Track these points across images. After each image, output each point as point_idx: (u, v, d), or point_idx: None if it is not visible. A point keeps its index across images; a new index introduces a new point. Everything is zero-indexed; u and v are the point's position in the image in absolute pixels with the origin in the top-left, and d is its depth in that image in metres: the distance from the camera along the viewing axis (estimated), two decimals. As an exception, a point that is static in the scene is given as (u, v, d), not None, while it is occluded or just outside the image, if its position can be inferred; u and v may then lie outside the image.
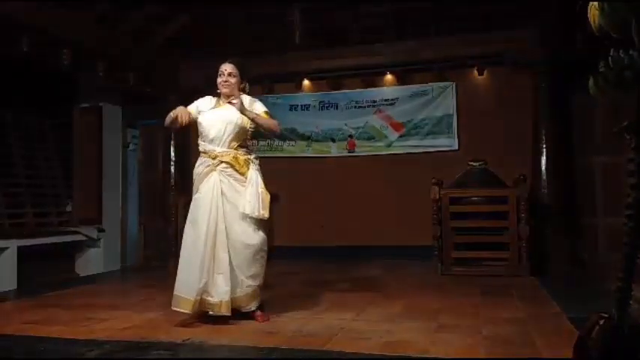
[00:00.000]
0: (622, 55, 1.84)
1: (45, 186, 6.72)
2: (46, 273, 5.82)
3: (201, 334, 3.11)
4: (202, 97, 3.72)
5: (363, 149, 7.07)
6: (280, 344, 2.85)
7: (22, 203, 6.29)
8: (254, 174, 3.51)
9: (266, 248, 3.52)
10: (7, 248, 5.24)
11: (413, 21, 6.56)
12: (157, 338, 3.02)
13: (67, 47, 5.40)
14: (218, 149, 3.49)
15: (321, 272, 5.76)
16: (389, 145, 6.98)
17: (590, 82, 1.97)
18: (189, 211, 3.52)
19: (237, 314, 3.41)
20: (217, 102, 3.64)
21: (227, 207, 3.42)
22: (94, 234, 6.47)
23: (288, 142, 7.25)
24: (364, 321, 3.42)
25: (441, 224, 5.52)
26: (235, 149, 3.51)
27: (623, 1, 1.79)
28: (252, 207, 3.39)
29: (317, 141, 7.22)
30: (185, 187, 7.07)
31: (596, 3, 1.89)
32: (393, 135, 6.96)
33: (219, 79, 3.59)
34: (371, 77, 7.08)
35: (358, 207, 6.95)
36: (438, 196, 5.53)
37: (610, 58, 1.89)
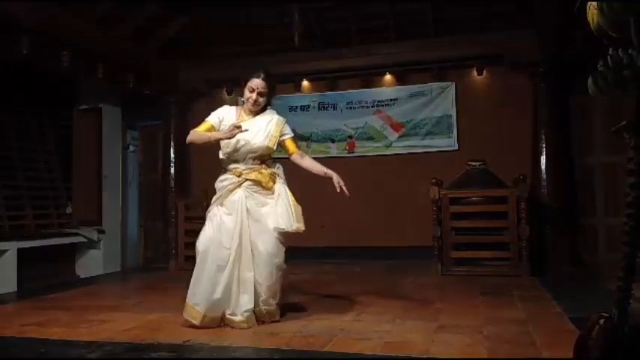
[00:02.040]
0: (621, 55, 1.84)
1: (45, 188, 6.72)
2: (47, 275, 5.81)
3: (202, 335, 3.11)
4: (221, 105, 3.64)
5: (363, 150, 7.07)
6: (281, 345, 2.85)
7: (22, 205, 6.29)
8: (282, 188, 3.47)
9: (285, 267, 3.46)
10: (7, 250, 5.24)
11: (412, 21, 6.56)
12: (157, 340, 3.02)
13: (66, 49, 5.40)
14: (242, 167, 3.43)
15: (321, 273, 5.76)
16: (388, 146, 6.98)
17: (590, 81, 1.97)
18: (208, 217, 3.43)
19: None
20: (239, 114, 3.55)
21: (252, 224, 3.35)
22: (94, 235, 6.46)
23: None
24: (365, 322, 3.42)
25: (440, 224, 5.52)
26: (259, 165, 3.46)
27: (622, 1, 1.80)
28: (286, 221, 3.35)
29: (316, 142, 7.23)
30: (185, 189, 7.09)
31: (594, 3, 1.89)
32: (393, 135, 6.96)
33: (248, 95, 3.48)
34: (370, 78, 7.08)
35: (358, 207, 6.94)
36: (437, 197, 5.53)
37: (609, 57, 1.89)
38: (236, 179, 3.41)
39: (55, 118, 7.14)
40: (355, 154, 7.10)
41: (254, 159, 3.46)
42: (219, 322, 3.28)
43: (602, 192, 6.07)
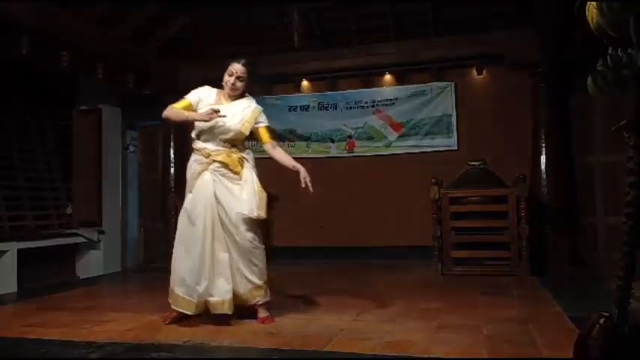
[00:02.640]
0: (620, 54, 1.84)
1: (45, 188, 6.72)
2: (47, 275, 5.81)
3: (202, 335, 3.11)
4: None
5: (363, 149, 7.07)
6: (281, 345, 2.85)
7: (22, 205, 6.29)
8: (249, 173, 3.45)
9: (262, 245, 3.48)
10: (7, 251, 5.23)
11: (412, 21, 6.56)
12: (157, 340, 3.02)
13: (66, 49, 5.40)
14: (211, 148, 3.43)
15: (321, 273, 5.76)
16: (388, 146, 6.98)
17: (589, 81, 1.97)
18: (183, 207, 3.48)
19: (240, 314, 3.41)
20: (218, 97, 3.56)
21: (221, 207, 3.38)
22: (94, 236, 6.46)
23: (287, 142, 7.25)
24: (365, 321, 3.42)
25: (440, 224, 5.52)
26: (229, 148, 3.46)
27: (622, 0, 1.80)
28: (249, 207, 3.35)
29: (316, 141, 7.23)
30: (185, 189, 7.09)
31: (594, 2, 1.89)
32: (393, 135, 6.96)
33: (227, 78, 3.50)
34: (370, 77, 7.08)
35: (358, 207, 6.95)
36: (437, 196, 5.53)
37: (608, 57, 1.89)
38: (204, 159, 3.42)
39: (55, 119, 7.14)
40: (355, 154, 7.10)
41: (224, 141, 3.45)
42: (208, 306, 3.32)
43: (602, 191, 6.06)
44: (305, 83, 7.32)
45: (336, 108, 7.20)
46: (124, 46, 6.22)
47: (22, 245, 5.43)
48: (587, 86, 1.99)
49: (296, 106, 7.32)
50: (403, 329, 3.17)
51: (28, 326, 3.46)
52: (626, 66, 1.81)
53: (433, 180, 5.60)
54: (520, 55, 6.15)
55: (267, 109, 7.85)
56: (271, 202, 7.54)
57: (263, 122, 3.60)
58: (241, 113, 3.50)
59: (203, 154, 3.44)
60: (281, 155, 3.59)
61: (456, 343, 2.82)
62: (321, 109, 7.25)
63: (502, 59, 6.31)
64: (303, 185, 3.42)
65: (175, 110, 3.47)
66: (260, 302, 3.43)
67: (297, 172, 3.44)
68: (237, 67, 3.49)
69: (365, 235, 6.83)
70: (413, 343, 2.85)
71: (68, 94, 6.87)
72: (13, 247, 5.30)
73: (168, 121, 3.59)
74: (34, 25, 4.98)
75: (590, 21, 1.94)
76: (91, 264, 6.47)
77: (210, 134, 3.44)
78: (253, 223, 3.43)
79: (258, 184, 3.45)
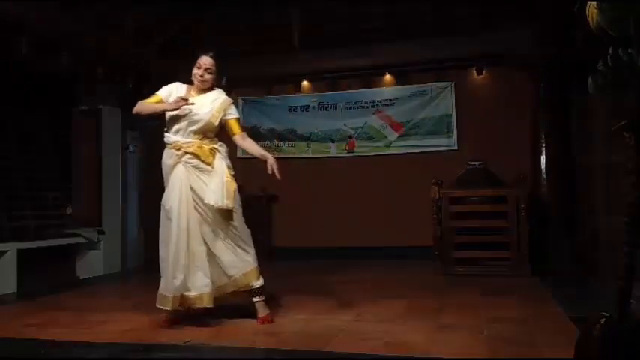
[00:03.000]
0: (621, 54, 1.84)
1: (45, 189, 6.72)
2: (47, 276, 5.81)
3: (202, 335, 3.11)
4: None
5: (363, 149, 7.07)
6: (281, 345, 2.86)
7: (22, 206, 6.29)
8: (219, 163, 3.43)
9: (246, 229, 3.48)
10: (7, 251, 5.24)
11: (412, 21, 6.56)
12: (157, 340, 3.02)
13: (66, 49, 5.40)
14: (182, 140, 3.42)
15: (321, 273, 5.75)
16: (388, 146, 6.98)
17: (590, 81, 1.97)
18: (162, 204, 3.45)
19: (241, 313, 3.42)
20: (188, 91, 3.56)
21: (198, 198, 3.36)
22: (94, 236, 6.45)
23: (287, 142, 7.26)
24: (365, 321, 3.42)
25: (441, 224, 5.52)
26: (201, 139, 3.44)
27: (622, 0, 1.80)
28: (215, 197, 3.31)
29: (316, 142, 7.23)
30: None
31: (594, 2, 1.89)
32: (393, 135, 6.97)
33: (196, 71, 3.51)
34: (370, 77, 7.09)
35: (358, 207, 6.95)
36: (437, 196, 5.53)
37: (609, 57, 1.89)
38: (176, 153, 3.41)
39: (55, 119, 7.13)
40: (355, 154, 7.10)
41: (195, 133, 3.43)
42: (187, 301, 3.29)
43: (602, 191, 6.05)
44: (305, 83, 7.32)
45: (336, 108, 7.20)
46: (124, 46, 6.22)
47: (22, 245, 5.43)
48: (587, 86, 1.99)
49: (296, 106, 7.32)
50: (403, 329, 3.17)
51: (28, 326, 3.46)
52: (627, 66, 1.81)
53: (433, 180, 5.60)
54: (520, 55, 6.15)
55: (267, 109, 7.89)
56: (271, 202, 7.57)
57: (233, 114, 3.58)
58: (210, 104, 3.49)
59: (174, 147, 3.43)
60: (250, 145, 3.60)
61: (456, 344, 2.82)
62: (321, 109, 7.25)
63: (502, 59, 6.32)
64: (269, 172, 3.43)
65: (146, 104, 3.49)
66: (256, 286, 3.41)
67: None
68: (205, 60, 3.52)
69: (365, 235, 6.83)
70: (413, 343, 2.85)
71: (68, 94, 6.87)
72: (13, 248, 5.30)
73: (139, 116, 3.56)
74: (33, 26, 4.98)
75: (590, 21, 1.94)
76: (91, 264, 6.46)
77: (180, 126, 3.44)
78: (231, 213, 3.41)
79: (228, 175, 3.43)
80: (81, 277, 6.31)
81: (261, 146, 7.11)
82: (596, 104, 5.82)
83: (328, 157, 7.17)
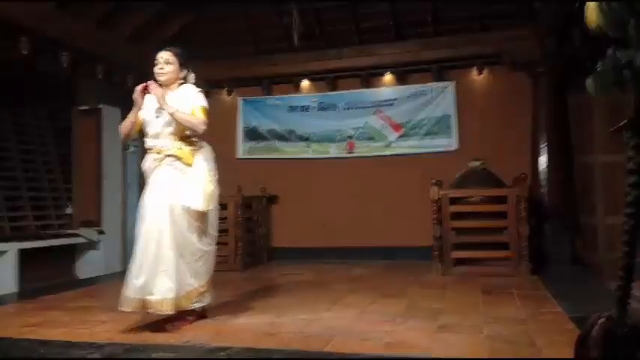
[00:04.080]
0: (620, 54, 1.84)
1: (44, 189, 6.72)
2: (47, 275, 5.81)
3: (202, 335, 3.11)
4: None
5: (363, 150, 7.07)
6: (281, 345, 2.85)
7: (22, 206, 6.29)
8: (199, 165, 3.38)
9: (209, 249, 3.45)
10: (7, 251, 5.24)
11: (412, 21, 6.56)
12: (157, 340, 3.02)
13: (66, 49, 5.40)
14: (161, 144, 3.37)
15: (321, 273, 5.75)
16: (388, 146, 6.97)
17: (589, 81, 1.97)
18: (138, 205, 3.43)
19: (241, 314, 3.41)
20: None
21: (173, 202, 3.28)
22: (94, 236, 6.45)
23: (287, 143, 7.25)
24: (365, 321, 3.42)
25: (441, 224, 5.52)
26: (180, 140, 3.37)
27: (622, 0, 1.79)
28: (192, 200, 3.28)
29: (316, 142, 7.22)
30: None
31: (594, 2, 1.89)
32: (393, 135, 6.96)
33: (154, 69, 3.44)
34: (370, 78, 7.08)
35: (358, 208, 6.95)
36: (437, 197, 5.53)
37: (608, 57, 1.89)
38: (157, 156, 3.38)
39: (55, 119, 7.14)
40: (355, 155, 7.09)
41: (173, 134, 3.37)
42: (147, 305, 3.17)
43: (602, 191, 6.06)
44: (305, 83, 7.32)
45: (335, 108, 7.19)
46: (124, 45, 6.22)
47: (22, 245, 5.43)
48: (586, 86, 1.99)
49: (296, 107, 7.31)
50: (403, 329, 3.17)
51: (27, 326, 3.46)
52: (626, 66, 1.81)
53: (433, 180, 5.60)
54: (520, 55, 6.16)
55: (267, 109, 7.89)
56: (270, 202, 7.56)
57: (196, 102, 3.41)
58: (178, 101, 3.39)
59: (155, 151, 3.39)
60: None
61: (457, 344, 2.82)
62: (321, 110, 7.24)
63: (502, 59, 6.32)
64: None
65: (124, 122, 3.49)
66: (192, 307, 3.36)
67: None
68: (161, 53, 3.46)
69: (365, 235, 6.82)
70: (413, 343, 2.85)
71: (68, 94, 6.87)
72: (13, 248, 5.31)
73: (127, 138, 3.57)
74: (33, 26, 4.98)
75: (589, 21, 1.94)
76: (90, 264, 6.46)
77: (156, 130, 3.38)
78: (204, 223, 3.38)
79: (208, 177, 3.38)
80: (80, 277, 6.31)
81: (262, 146, 7.25)
82: (595, 104, 5.84)
83: (328, 158, 7.16)
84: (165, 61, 3.43)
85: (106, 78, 6.05)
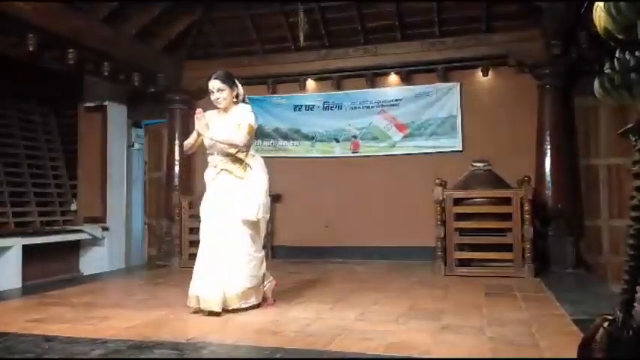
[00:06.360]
0: (627, 57, 1.83)
1: (50, 185, 6.75)
2: (51, 271, 5.84)
3: (205, 333, 3.12)
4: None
5: (367, 150, 7.06)
6: (284, 344, 2.86)
7: (27, 202, 6.32)
8: (255, 177, 3.72)
9: (257, 254, 3.74)
10: (12, 247, 5.27)
11: (417, 22, 6.56)
12: (160, 337, 3.02)
13: (72, 47, 5.42)
14: (217, 160, 3.74)
15: (324, 272, 5.76)
16: (393, 146, 6.96)
17: (596, 83, 1.96)
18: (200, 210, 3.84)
19: (244, 313, 3.42)
20: (218, 114, 3.87)
21: (225, 212, 3.63)
22: (99, 233, 6.49)
23: (292, 142, 7.26)
24: (368, 321, 3.42)
25: (444, 225, 5.51)
26: (227, 156, 3.71)
27: (630, 1, 1.79)
28: (247, 211, 3.62)
29: (321, 141, 7.22)
30: (190, 187, 7.11)
31: (601, 4, 1.88)
32: (397, 135, 6.95)
33: (211, 97, 3.80)
34: (375, 78, 7.08)
35: (362, 207, 6.95)
36: (441, 197, 5.52)
37: (616, 59, 1.88)
38: (214, 169, 3.77)
39: (61, 116, 7.18)
40: (359, 154, 7.09)
41: (219, 152, 3.73)
42: (201, 302, 3.54)
43: (607, 194, 6.06)
44: (310, 83, 7.32)
45: (340, 108, 7.19)
46: (130, 44, 6.24)
47: (27, 241, 5.47)
48: (592, 89, 1.99)
49: (301, 106, 7.32)
50: (406, 330, 3.17)
51: (31, 322, 3.48)
52: (633, 69, 1.80)
53: (437, 181, 5.59)
54: (525, 56, 6.15)
55: (272, 108, 7.90)
56: (274, 202, 7.57)
57: (243, 120, 3.74)
58: (230, 121, 3.76)
59: (212, 165, 3.80)
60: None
61: (459, 345, 2.82)
62: (326, 109, 7.24)
63: (507, 60, 6.31)
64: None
65: (187, 141, 3.88)
66: (243, 307, 3.62)
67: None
68: (212, 84, 3.79)
69: (368, 235, 6.82)
70: (416, 343, 2.85)
71: (74, 91, 6.91)
72: (17, 243, 5.34)
73: (190, 152, 3.98)
74: (40, 24, 5.00)
75: (597, 23, 1.94)
76: (95, 260, 6.50)
77: (213, 150, 3.77)
78: (253, 230, 3.70)
79: (263, 188, 3.72)
80: (85, 273, 6.35)
81: (267, 145, 7.25)
82: (601, 107, 5.82)
83: (332, 157, 7.16)
84: (219, 89, 3.78)
85: (111, 75, 6.07)
